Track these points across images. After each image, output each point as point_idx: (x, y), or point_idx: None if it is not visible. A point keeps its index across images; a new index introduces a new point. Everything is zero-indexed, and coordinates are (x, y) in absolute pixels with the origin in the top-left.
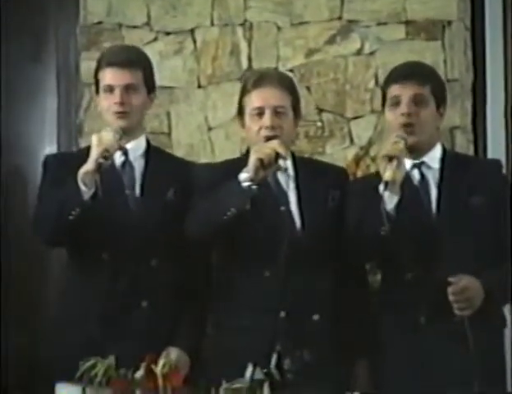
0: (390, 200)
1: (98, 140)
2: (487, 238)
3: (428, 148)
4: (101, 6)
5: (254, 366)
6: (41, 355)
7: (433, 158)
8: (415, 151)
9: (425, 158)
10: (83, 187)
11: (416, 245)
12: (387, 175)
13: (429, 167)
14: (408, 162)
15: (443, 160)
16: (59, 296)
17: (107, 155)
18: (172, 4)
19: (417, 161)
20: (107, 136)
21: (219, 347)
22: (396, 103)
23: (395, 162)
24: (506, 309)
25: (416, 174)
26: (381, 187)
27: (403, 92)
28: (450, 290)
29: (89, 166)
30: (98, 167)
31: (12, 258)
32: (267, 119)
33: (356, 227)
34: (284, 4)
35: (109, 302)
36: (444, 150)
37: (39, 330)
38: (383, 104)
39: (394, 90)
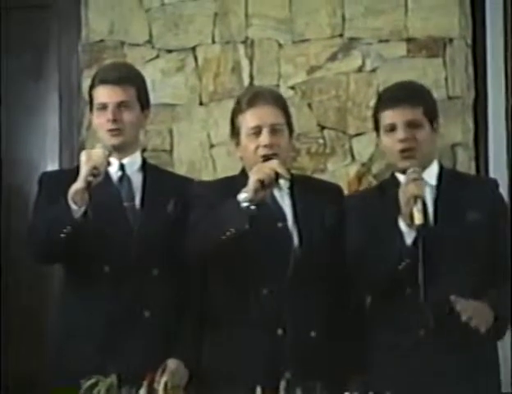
0: (410, 235)
1: (87, 157)
2: (483, 254)
3: (426, 166)
4: (103, 24)
5: (263, 389)
6: (42, 370)
7: (431, 174)
8: None
9: (423, 175)
10: (73, 205)
11: (416, 263)
12: (418, 218)
13: (426, 184)
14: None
15: (440, 176)
16: (60, 311)
17: (95, 173)
18: (174, 22)
19: None
20: (97, 153)
21: (216, 362)
22: (391, 129)
23: (419, 203)
24: None
25: None
26: (403, 226)
27: (396, 118)
28: (462, 314)
29: (78, 184)
30: (88, 186)
31: (13, 275)
32: (264, 137)
33: (366, 266)
34: (285, 22)
35: (112, 313)
36: (440, 166)
37: (41, 346)
38: (376, 128)
39: (387, 117)
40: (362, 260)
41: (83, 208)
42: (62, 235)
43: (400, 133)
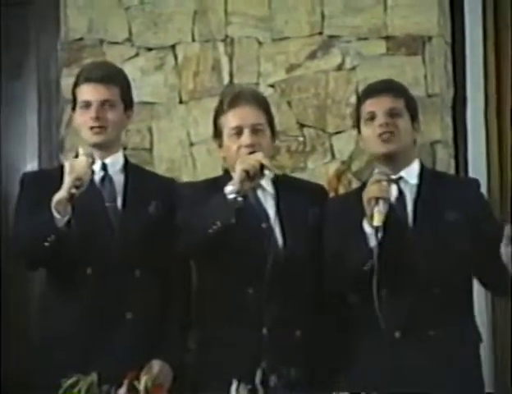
0: (373, 237)
1: (71, 168)
2: (464, 253)
3: (406, 162)
4: (82, 22)
5: (239, 382)
6: (24, 371)
7: (411, 173)
8: (393, 163)
9: (403, 173)
10: (56, 215)
11: (393, 263)
12: (376, 220)
13: (407, 182)
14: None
15: (421, 175)
16: (42, 312)
17: (78, 184)
18: (153, 20)
19: (395, 176)
20: (80, 163)
21: (201, 362)
22: (372, 117)
23: (381, 203)
24: (480, 323)
25: (393, 190)
26: (367, 227)
27: (378, 106)
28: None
29: (61, 194)
30: (71, 197)
31: None
32: (246, 137)
33: (339, 265)
34: (265, 20)
35: (94, 315)
36: (422, 166)
37: (22, 347)
38: (358, 123)
39: (369, 106)
40: (333, 261)
41: (66, 217)
42: (46, 243)
43: (380, 119)
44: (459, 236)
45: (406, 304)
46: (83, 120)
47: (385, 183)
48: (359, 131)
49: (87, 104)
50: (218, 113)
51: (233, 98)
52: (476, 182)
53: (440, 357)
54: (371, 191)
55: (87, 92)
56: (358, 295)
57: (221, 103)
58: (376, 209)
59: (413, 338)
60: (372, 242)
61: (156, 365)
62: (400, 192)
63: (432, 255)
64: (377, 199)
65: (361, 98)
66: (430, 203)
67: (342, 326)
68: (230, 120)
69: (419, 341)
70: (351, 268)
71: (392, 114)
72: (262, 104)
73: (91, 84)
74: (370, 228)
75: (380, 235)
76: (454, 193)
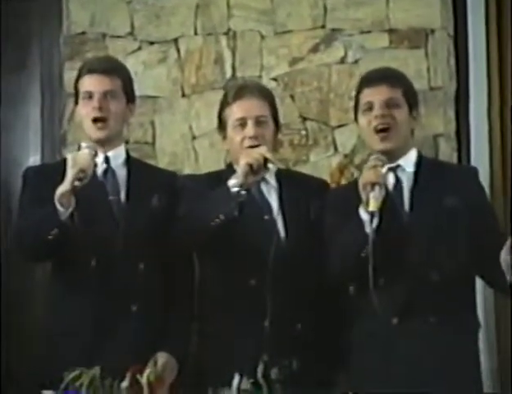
0: (369, 223)
1: (73, 161)
2: (462, 241)
3: (403, 152)
4: (84, 16)
5: (241, 375)
6: (29, 364)
7: (408, 161)
8: (390, 154)
9: (400, 161)
10: (60, 208)
11: (390, 251)
12: (372, 205)
13: (404, 170)
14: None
15: (418, 164)
16: (46, 306)
17: (81, 176)
18: (156, 14)
19: (392, 164)
20: (83, 156)
21: (203, 354)
22: (369, 108)
23: (377, 189)
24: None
25: (391, 178)
26: (363, 213)
27: (375, 96)
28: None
29: (64, 187)
30: (74, 189)
31: None
32: (250, 129)
33: (337, 253)
34: (267, 13)
35: (99, 308)
36: (419, 154)
37: (26, 340)
38: (356, 112)
39: (366, 96)
40: (332, 248)
41: (70, 210)
42: (50, 237)
43: (377, 110)
44: (457, 223)
45: (403, 291)
46: (85, 111)
47: (380, 169)
48: (357, 120)
49: (89, 95)
50: (223, 105)
51: (238, 90)
52: (474, 170)
53: (437, 344)
54: (366, 177)
55: (89, 83)
56: (357, 283)
57: (225, 95)
58: (371, 195)
59: (411, 325)
60: (368, 228)
61: (161, 358)
62: (397, 180)
63: (429, 242)
64: (372, 185)
65: (359, 88)
66: (427, 190)
67: (343, 316)
68: (235, 111)
69: (417, 328)
70: (349, 255)
71: (389, 105)
72: (267, 97)
73: (93, 75)
74: (366, 214)
75: (376, 221)
76: (452, 180)
